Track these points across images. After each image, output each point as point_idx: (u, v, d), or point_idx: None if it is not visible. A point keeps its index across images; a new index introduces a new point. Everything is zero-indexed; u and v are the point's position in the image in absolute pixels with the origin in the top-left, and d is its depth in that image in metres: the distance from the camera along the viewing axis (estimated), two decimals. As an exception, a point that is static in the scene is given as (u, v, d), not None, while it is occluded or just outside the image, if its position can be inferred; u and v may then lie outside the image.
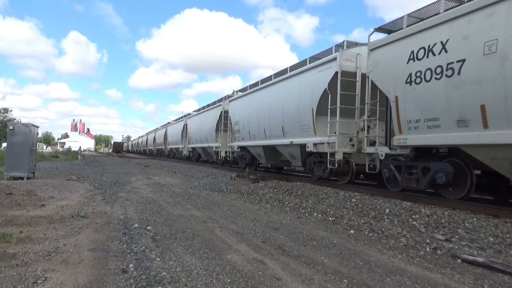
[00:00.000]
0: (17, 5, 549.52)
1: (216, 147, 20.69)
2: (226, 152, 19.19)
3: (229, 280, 3.49)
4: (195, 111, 29.16)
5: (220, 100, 21.10)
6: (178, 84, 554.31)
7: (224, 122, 19.15)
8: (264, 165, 16.17)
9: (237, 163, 18.72)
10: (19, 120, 14.91)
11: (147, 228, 5.64)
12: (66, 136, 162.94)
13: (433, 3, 7.44)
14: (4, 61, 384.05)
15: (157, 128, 50.43)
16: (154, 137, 48.86)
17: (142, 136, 69.51)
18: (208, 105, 24.37)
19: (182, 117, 32.38)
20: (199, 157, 27.02)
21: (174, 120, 37.42)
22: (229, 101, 18.11)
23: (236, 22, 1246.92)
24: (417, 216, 6.08)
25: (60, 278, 3.40)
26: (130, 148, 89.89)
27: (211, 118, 21.42)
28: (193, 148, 26.84)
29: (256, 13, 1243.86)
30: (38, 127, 13.46)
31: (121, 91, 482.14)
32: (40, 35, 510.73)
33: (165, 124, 42.07)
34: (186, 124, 28.54)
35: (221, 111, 19.52)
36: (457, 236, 5.18)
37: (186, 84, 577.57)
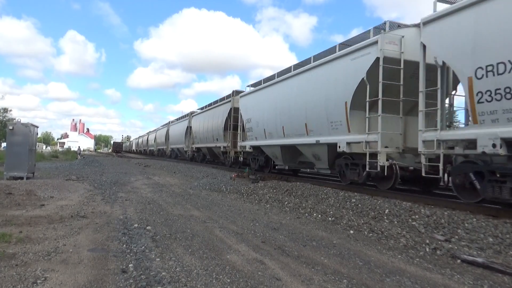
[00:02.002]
0: (14, 4, 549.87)
1: (186, 147, 29.19)
2: (191, 151, 27.22)
3: (228, 280, 3.49)
4: (176, 119, 36.39)
5: (186, 115, 29.02)
6: (176, 84, 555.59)
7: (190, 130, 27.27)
8: (208, 159, 25.00)
9: (196, 158, 27.24)
10: (19, 120, 14.91)
11: (147, 228, 5.63)
12: (65, 136, 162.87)
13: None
14: (2, 61, 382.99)
15: (149, 132, 57.24)
16: (147, 138, 54.97)
17: (142, 136, 69.79)
18: (181, 117, 32.86)
19: (165, 124, 41.22)
20: (177, 156, 34.05)
21: (162, 126, 44.86)
22: (192, 116, 27.01)
23: (234, 21, 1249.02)
24: (417, 216, 6.08)
25: (59, 278, 3.40)
26: (134, 147, 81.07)
27: (181, 128, 29.71)
28: (172, 149, 35.46)
29: (254, 12, 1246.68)
30: (37, 127, 13.45)
31: (119, 90, 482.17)
32: (37, 34, 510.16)
33: (153, 130, 50.20)
34: (169, 130, 36.79)
35: (188, 126, 27.61)
36: (456, 237, 5.19)
37: (185, 83, 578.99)
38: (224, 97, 20.75)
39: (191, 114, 27.73)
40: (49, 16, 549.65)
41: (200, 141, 24.48)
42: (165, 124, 41.37)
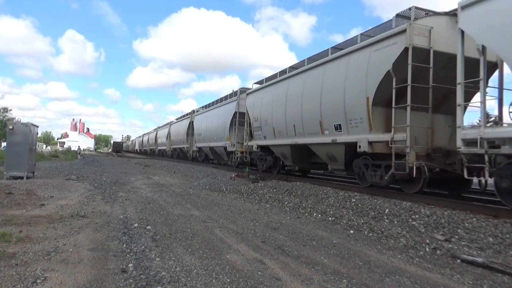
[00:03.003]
0: (12, 3, 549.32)
1: (186, 147, 29.83)
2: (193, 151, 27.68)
3: (228, 280, 3.49)
4: (176, 118, 37.04)
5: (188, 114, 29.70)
6: (176, 83, 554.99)
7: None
8: (212, 160, 24.35)
9: (197, 158, 27.27)
10: (19, 120, 14.91)
11: (147, 227, 5.64)
12: (65, 135, 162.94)
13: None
14: (1, 60, 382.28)
15: (158, 127, 53.68)
16: (156, 136, 53.22)
17: (148, 133, 66.44)
18: (167, 124, 35.90)
19: (182, 117, 39.53)
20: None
21: (177, 119, 42.87)
22: (195, 115, 26.68)
23: (233, 21, 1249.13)
24: (417, 216, 6.08)
25: (59, 278, 3.40)
26: (137, 147, 72.15)
27: (164, 132, 34.68)
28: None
29: (253, 12, 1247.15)
30: (37, 126, 13.45)
31: (119, 90, 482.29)
32: (36, 34, 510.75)
33: (165, 125, 48.16)
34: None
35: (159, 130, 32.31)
36: (456, 236, 5.19)
37: (184, 83, 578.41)
38: (228, 95, 19.95)
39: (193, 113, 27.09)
40: (48, 15, 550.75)
41: (203, 140, 23.31)
42: (183, 116, 33.70)
